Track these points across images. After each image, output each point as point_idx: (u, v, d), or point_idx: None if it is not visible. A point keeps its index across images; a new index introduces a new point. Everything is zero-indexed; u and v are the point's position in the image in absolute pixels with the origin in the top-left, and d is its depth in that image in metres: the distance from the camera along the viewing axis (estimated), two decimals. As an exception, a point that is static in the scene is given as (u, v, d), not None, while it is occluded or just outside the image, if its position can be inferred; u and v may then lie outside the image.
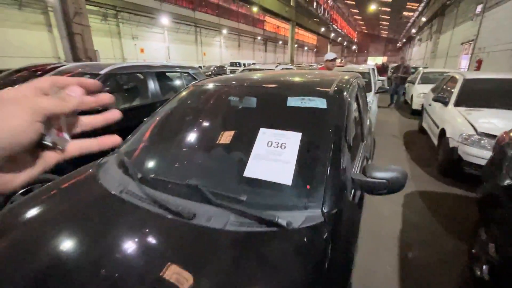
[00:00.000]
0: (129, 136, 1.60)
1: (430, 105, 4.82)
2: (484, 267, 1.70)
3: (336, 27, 48.84)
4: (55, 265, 0.83)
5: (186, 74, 3.98)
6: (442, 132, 3.64)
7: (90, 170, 1.37)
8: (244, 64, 19.15)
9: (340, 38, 55.67)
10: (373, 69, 7.01)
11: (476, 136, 2.94)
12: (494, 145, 2.10)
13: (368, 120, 2.54)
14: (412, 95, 7.95)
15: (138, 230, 0.95)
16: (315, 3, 35.28)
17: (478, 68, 10.24)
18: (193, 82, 1.93)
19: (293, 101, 1.35)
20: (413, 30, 34.76)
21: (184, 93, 1.79)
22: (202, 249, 0.86)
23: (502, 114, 3.25)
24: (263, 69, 7.65)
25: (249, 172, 1.07)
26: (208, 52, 28.87)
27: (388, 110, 8.44)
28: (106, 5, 18.26)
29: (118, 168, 1.32)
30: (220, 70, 20.17)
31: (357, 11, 45.54)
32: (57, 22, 7.12)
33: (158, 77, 3.46)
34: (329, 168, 1.09)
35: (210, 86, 1.75)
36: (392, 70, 9.96)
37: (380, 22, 48.25)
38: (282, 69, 7.86)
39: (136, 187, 1.13)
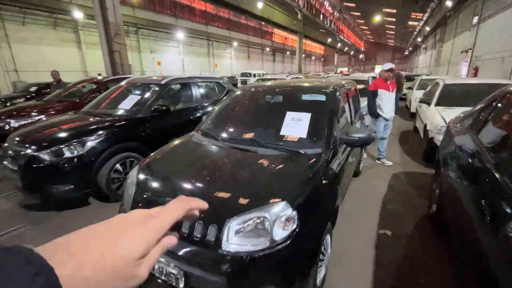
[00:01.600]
0: (204, 118, 2.59)
1: (420, 106, 5.67)
2: (434, 206, 2.56)
3: (342, 37, 50.05)
4: (185, 171, 1.79)
5: (217, 84, 5.01)
6: (425, 127, 4.50)
7: (186, 138, 2.34)
8: (254, 75, 20.32)
9: (347, 48, 56.85)
10: (373, 77, 7.92)
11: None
12: (445, 129, 2.98)
13: (358, 112, 3.46)
14: (410, 100, 8.78)
15: (225, 156, 1.91)
16: (321, 16, 36.66)
17: (475, 74, 10.98)
18: (239, 87, 2.91)
19: (306, 97, 2.32)
20: (419, 39, 35.58)
21: (234, 94, 2.77)
22: (258, 163, 1.79)
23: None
24: (275, 79, 8.68)
25: (283, 132, 2.03)
26: (220, 64, 30.40)
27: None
28: (128, 23, 19.96)
29: (202, 136, 2.30)
30: (231, 80, 21.41)
31: (363, 21, 46.74)
32: (101, 42, 8.38)
33: (198, 85, 4.49)
34: (326, 131, 2.02)
35: (252, 89, 2.74)
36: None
37: (386, 31, 49.23)
38: (292, 78, 8.85)
39: (219, 142, 2.10)
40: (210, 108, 4.25)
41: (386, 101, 4.13)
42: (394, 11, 31.46)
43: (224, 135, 2.27)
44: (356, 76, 8.63)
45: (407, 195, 3.26)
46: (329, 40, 41.81)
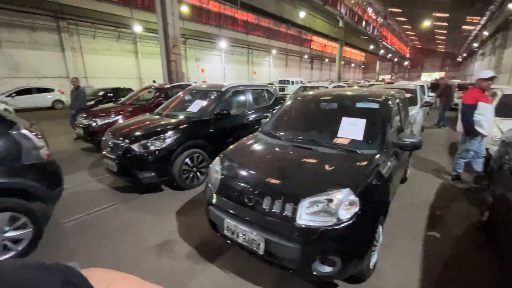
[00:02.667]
0: (265, 121, 3.01)
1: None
2: (486, 213, 2.62)
3: (386, 44, 47.99)
4: (259, 162, 2.19)
5: (267, 91, 5.46)
6: (479, 138, 4.38)
7: (253, 136, 2.77)
8: (292, 82, 20.66)
9: (390, 55, 54.25)
10: (421, 86, 7.73)
11: (503, 139, 3.70)
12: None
13: (407, 120, 3.58)
14: (462, 110, 8.30)
15: (290, 152, 2.28)
16: (364, 22, 35.76)
17: (542, 84, 9.91)
18: (295, 95, 3.29)
19: (360, 104, 2.61)
20: (475, 44, 32.60)
21: (290, 101, 3.17)
22: (321, 158, 2.12)
23: (530, 122, 3.92)
24: (318, 87, 8.91)
25: (340, 134, 2.35)
26: (258, 71, 31.31)
27: (438, 124, 8.83)
28: (179, 34, 21.84)
29: (265, 135, 2.71)
30: (270, 87, 21.89)
31: (410, 27, 44.30)
32: (160, 53, 9.50)
33: (251, 92, 4.98)
34: (379, 135, 2.29)
35: (307, 96, 3.10)
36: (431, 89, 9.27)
37: (436, 36, 45.90)
38: (334, 86, 9.00)
39: (282, 140, 2.49)
40: (261, 113, 4.70)
41: (488, 115, 3.45)
42: (446, 15, 29.39)
43: (286, 135, 2.65)
44: (402, 84, 8.45)
45: (457, 203, 3.29)
46: (371, 47, 40.45)
